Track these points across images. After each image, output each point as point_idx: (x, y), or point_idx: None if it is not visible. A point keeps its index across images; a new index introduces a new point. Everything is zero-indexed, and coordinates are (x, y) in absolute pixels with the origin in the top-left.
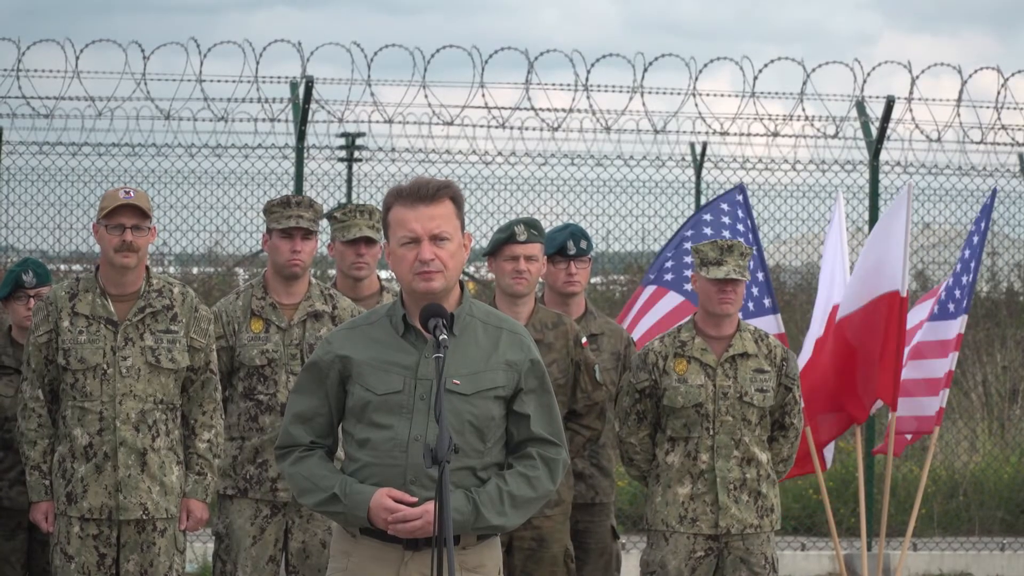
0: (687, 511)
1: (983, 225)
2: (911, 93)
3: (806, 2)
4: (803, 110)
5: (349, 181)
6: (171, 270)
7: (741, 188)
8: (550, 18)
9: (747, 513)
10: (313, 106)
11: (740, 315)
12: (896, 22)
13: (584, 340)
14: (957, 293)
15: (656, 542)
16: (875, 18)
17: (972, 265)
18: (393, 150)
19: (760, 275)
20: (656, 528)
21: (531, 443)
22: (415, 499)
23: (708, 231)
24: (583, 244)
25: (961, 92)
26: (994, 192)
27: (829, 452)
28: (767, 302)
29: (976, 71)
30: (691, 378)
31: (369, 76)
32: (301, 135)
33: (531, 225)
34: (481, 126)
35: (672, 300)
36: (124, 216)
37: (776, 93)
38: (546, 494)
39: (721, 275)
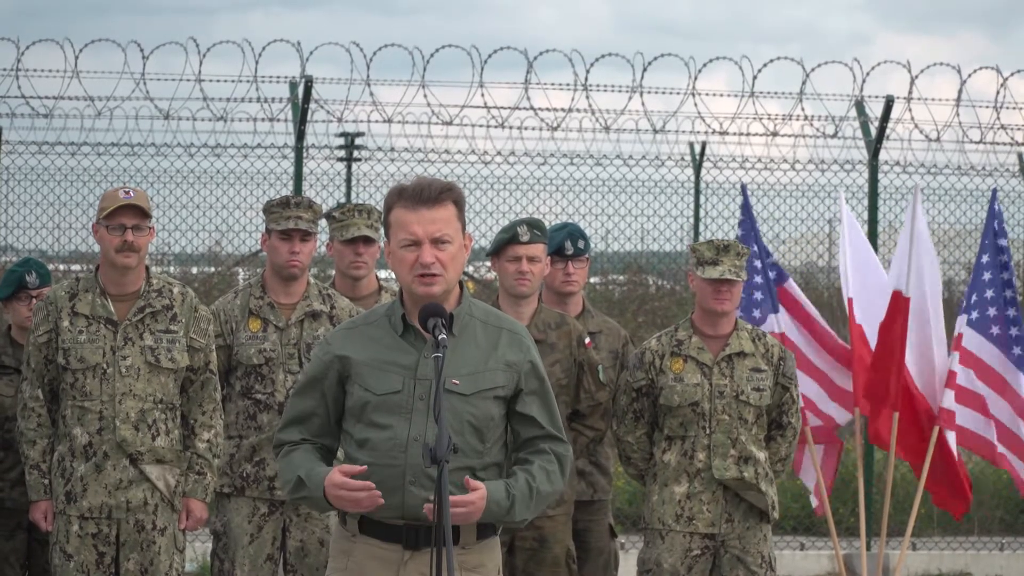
0: (684, 510)
1: (995, 226)
2: (910, 93)
3: (799, 3)
4: (802, 110)
5: (348, 181)
6: (171, 270)
7: (742, 188)
8: (547, 18)
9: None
10: (312, 106)
11: (743, 316)
12: (890, 23)
13: (588, 340)
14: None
15: (652, 540)
16: (869, 19)
17: (1002, 269)
18: (392, 150)
19: (759, 275)
20: (653, 527)
21: (543, 439)
22: (363, 468)
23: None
24: (581, 244)
25: (960, 92)
26: (994, 192)
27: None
28: (767, 301)
29: (976, 71)
30: (687, 377)
31: (368, 76)
32: (300, 135)
33: (534, 225)
34: (480, 126)
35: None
36: (124, 216)
37: (775, 93)
38: (559, 491)
39: (716, 275)
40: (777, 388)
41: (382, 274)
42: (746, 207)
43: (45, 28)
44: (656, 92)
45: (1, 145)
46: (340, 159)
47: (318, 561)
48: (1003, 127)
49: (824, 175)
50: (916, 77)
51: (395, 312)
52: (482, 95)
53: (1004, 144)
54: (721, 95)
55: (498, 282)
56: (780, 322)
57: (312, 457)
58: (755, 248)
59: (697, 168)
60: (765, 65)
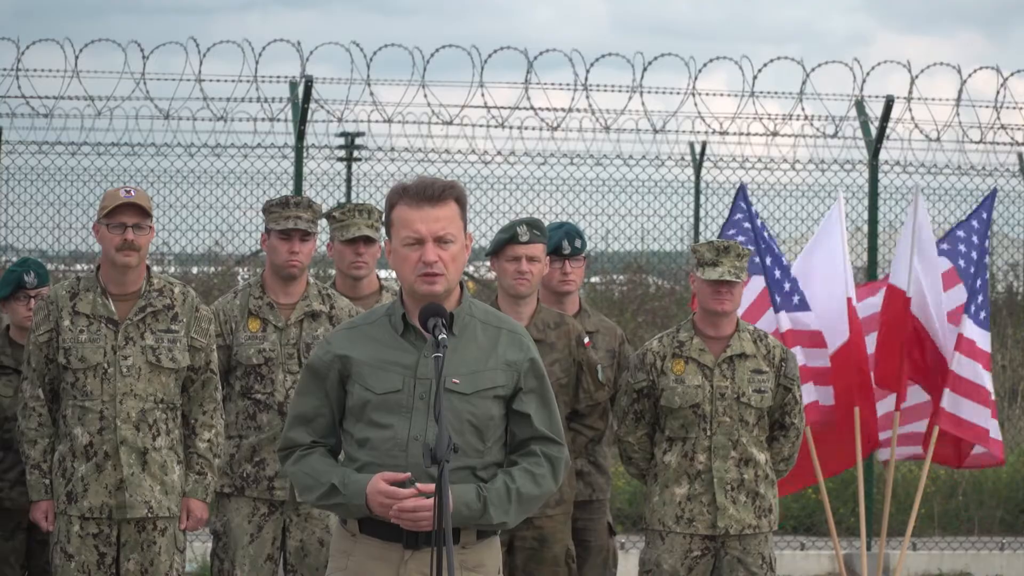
0: (684, 511)
1: (983, 226)
2: (910, 93)
3: (799, 3)
4: (802, 109)
5: (348, 181)
6: (171, 270)
7: (741, 188)
8: (546, 18)
9: (745, 513)
10: (312, 106)
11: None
12: (890, 23)
13: (587, 340)
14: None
15: (653, 541)
16: (869, 19)
17: (974, 271)
18: (392, 150)
19: (776, 273)
20: (653, 528)
21: (534, 441)
22: (407, 475)
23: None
24: (578, 243)
25: (960, 92)
26: (994, 192)
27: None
28: (775, 299)
29: (975, 71)
30: (688, 378)
31: (368, 76)
32: (300, 135)
33: (533, 225)
34: (480, 126)
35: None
36: (125, 215)
37: (775, 93)
38: (549, 493)
39: (715, 276)
40: (779, 389)
41: (383, 274)
42: (747, 207)
43: (45, 28)
44: (656, 92)
45: (1, 145)
46: (340, 159)
47: (318, 561)
48: (1003, 127)
49: (824, 175)
50: (916, 77)
51: (395, 312)
52: (482, 95)
53: (1004, 144)
54: (721, 95)
55: (497, 282)
56: (782, 322)
57: (332, 462)
58: (755, 248)
59: (697, 168)
60: (765, 65)
